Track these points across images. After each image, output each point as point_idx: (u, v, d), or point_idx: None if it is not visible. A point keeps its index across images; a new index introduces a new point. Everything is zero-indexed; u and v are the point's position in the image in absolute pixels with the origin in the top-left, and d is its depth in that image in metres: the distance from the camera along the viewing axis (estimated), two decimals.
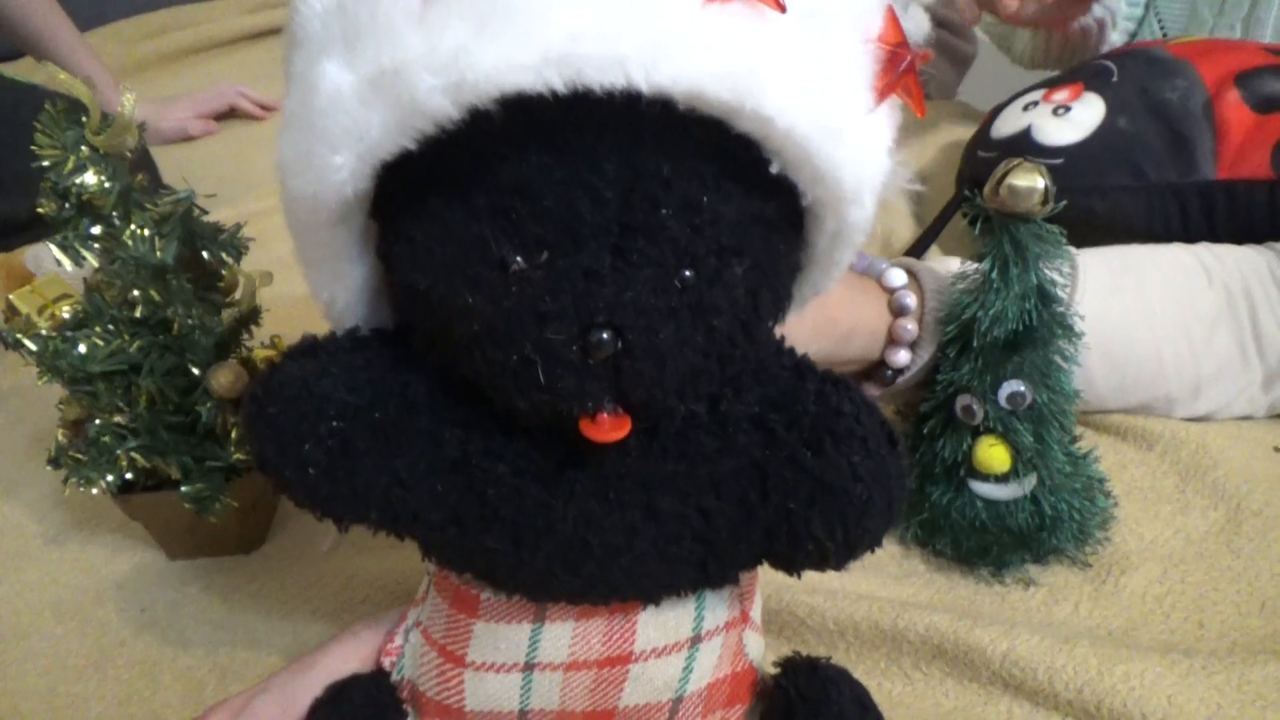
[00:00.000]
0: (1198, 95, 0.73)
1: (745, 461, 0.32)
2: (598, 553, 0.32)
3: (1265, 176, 0.69)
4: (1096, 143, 0.73)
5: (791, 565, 0.34)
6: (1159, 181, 0.71)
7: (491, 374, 0.29)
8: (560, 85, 0.25)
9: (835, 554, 0.33)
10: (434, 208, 0.29)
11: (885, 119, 0.31)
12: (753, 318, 0.31)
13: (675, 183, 0.27)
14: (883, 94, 0.30)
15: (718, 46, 0.26)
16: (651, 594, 0.34)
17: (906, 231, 0.84)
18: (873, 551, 0.33)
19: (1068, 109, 0.76)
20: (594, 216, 0.27)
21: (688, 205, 0.28)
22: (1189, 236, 0.69)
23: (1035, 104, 0.79)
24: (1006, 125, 0.80)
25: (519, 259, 0.28)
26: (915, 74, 0.30)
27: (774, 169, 0.29)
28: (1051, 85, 0.80)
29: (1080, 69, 0.82)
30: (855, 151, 0.29)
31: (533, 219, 0.27)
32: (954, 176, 0.85)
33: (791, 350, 0.35)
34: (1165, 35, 0.93)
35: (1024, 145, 0.76)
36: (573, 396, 0.28)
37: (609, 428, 0.29)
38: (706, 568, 0.33)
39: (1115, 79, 0.76)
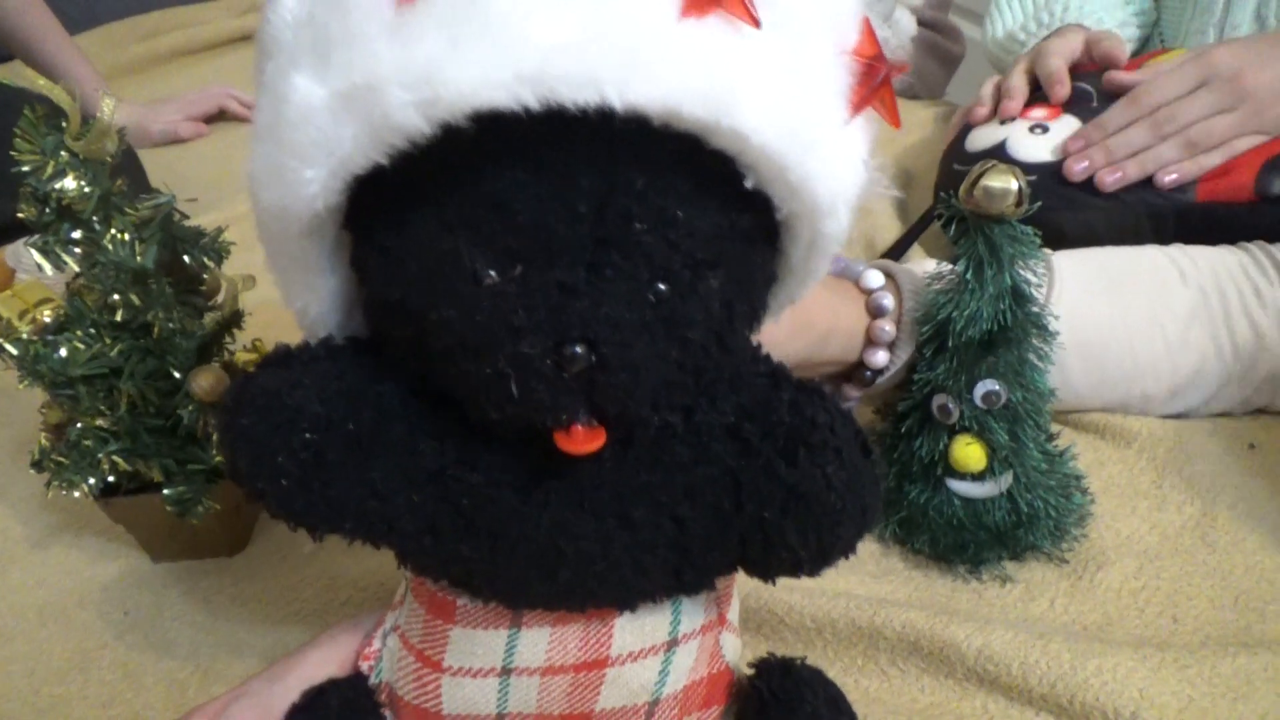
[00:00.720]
0: None
1: (719, 470, 0.33)
2: (572, 561, 0.32)
3: (1247, 198, 0.68)
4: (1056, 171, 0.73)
5: (766, 572, 0.34)
6: (1133, 200, 0.71)
7: (465, 386, 0.29)
8: (534, 103, 0.25)
9: (809, 561, 0.33)
10: (407, 220, 0.29)
11: (860, 131, 0.31)
12: (727, 329, 0.31)
13: (650, 197, 0.27)
14: (858, 106, 0.30)
15: (693, 64, 0.26)
16: (627, 601, 0.34)
17: (889, 234, 0.84)
18: (846, 558, 0.34)
19: (1045, 128, 0.76)
20: (568, 231, 0.27)
21: (662, 220, 0.28)
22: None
23: (1012, 119, 0.79)
24: (982, 139, 0.80)
25: (492, 272, 0.28)
26: (890, 86, 0.30)
27: (748, 184, 0.29)
28: (1029, 103, 0.79)
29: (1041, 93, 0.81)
30: (830, 165, 0.29)
31: (506, 233, 0.27)
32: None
33: (767, 357, 0.35)
34: (1164, 44, 0.94)
35: (999, 159, 0.69)
36: (547, 409, 0.29)
37: (583, 440, 0.29)
38: (681, 575, 0.34)
39: (1095, 105, 0.76)
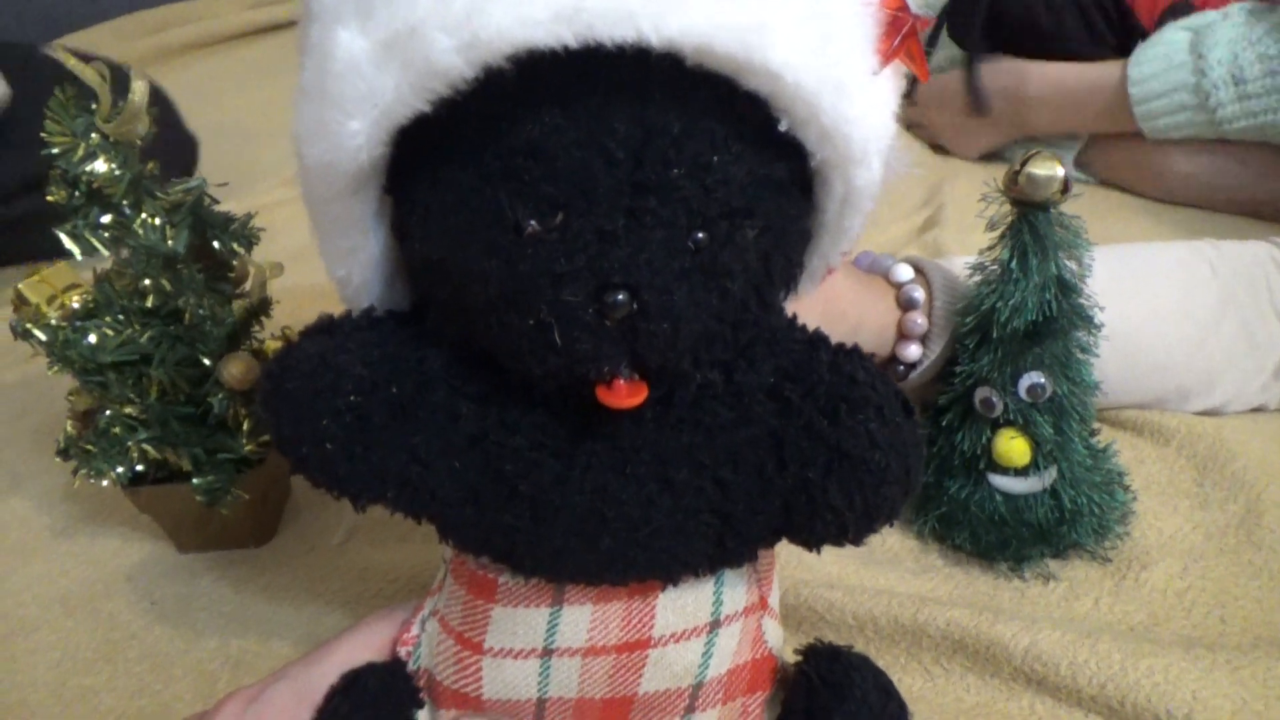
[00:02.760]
0: None
1: (761, 431, 0.32)
2: (614, 526, 0.31)
3: (1148, 28, 0.88)
4: None
5: (810, 538, 0.33)
6: None
7: (508, 340, 0.29)
8: (572, 40, 0.25)
9: (854, 524, 0.32)
10: (447, 175, 0.29)
11: (889, 83, 0.31)
12: (765, 282, 0.31)
13: (685, 142, 0.27)
14: (886, 58, 0.30)
15: (725, 1, 0.26)
16: (669, 570, 0.33)
17: None
18: (890, 524, 0.33)
19: None
20: (607, 176, 0.27)
21: (698, 165, 0.28)
22: (1105, 45, 0.91)
23: None
24: None
25: (533, 222, 0.28)
26: (917, 38, 0.31)
27: (782, 126, 0.29)
28: None
29: None
30: (861, 110, 0.30)
31: (546, 180, 0.27)
32: None
33: (804, 326, 0.35)
34: None
35: None
36: (589, 359, 0.28)
37: (625, 394, 0.29)
38: (724, 542, 0.33)
39: None
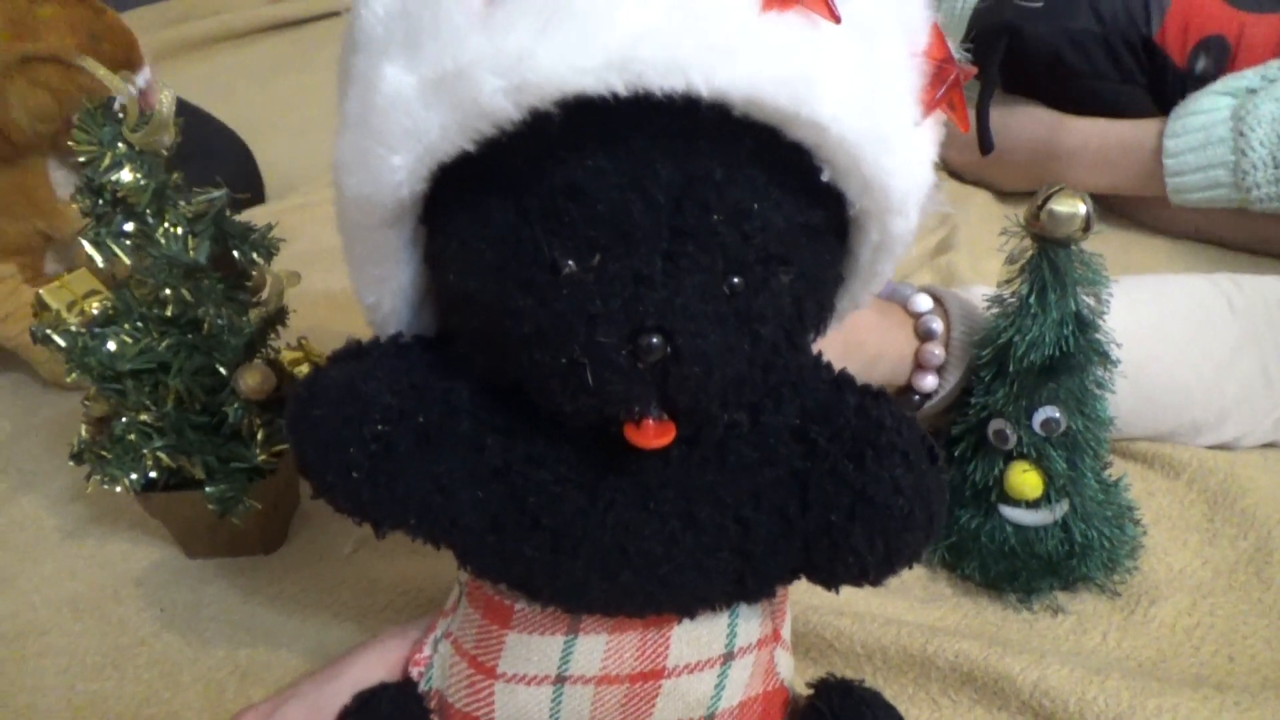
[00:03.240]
0: None
1: (785, 472, 0.32)
2: (636, 561, 0.32)
3: (1179, 64, 0.86)
4: None
5: (830, 579, 0.34)
6: (1113, 28, 0.86)
7: (539, 377, 0.29)
8: (621, 88, 0.25)
9: (874, 568, 0.32)
10: (486, 210, 0.29)
11: (930, 132, 0.31)
12: (797, 327, 0.31)
13: (727, 189, 0.28)
14: (928, 108, 0.30)
15: (776, 53, 0.26)
16: (687, 606, 0.34)
17: None
18: (910, 567, 0.33)
19: None
20: (646, 220, 0.27)
21: (738, 212, 0.28)
22: (1134, 80, 0.88)
23: None
24: None
25: (571, 262, 0.28)
26: (960, 89, 0.31)
27: (824, 177, 0.29)
28: None
29: None
30: (903, 162, 0.30)
31: (585, 222, 0.27)
32: None
33: (829, 365, 0.35)
34: None
35: None
36: (620, 400, 0.28)
37: (654, 434, 0.29)
38: (744, 580, 0.33)
39: None
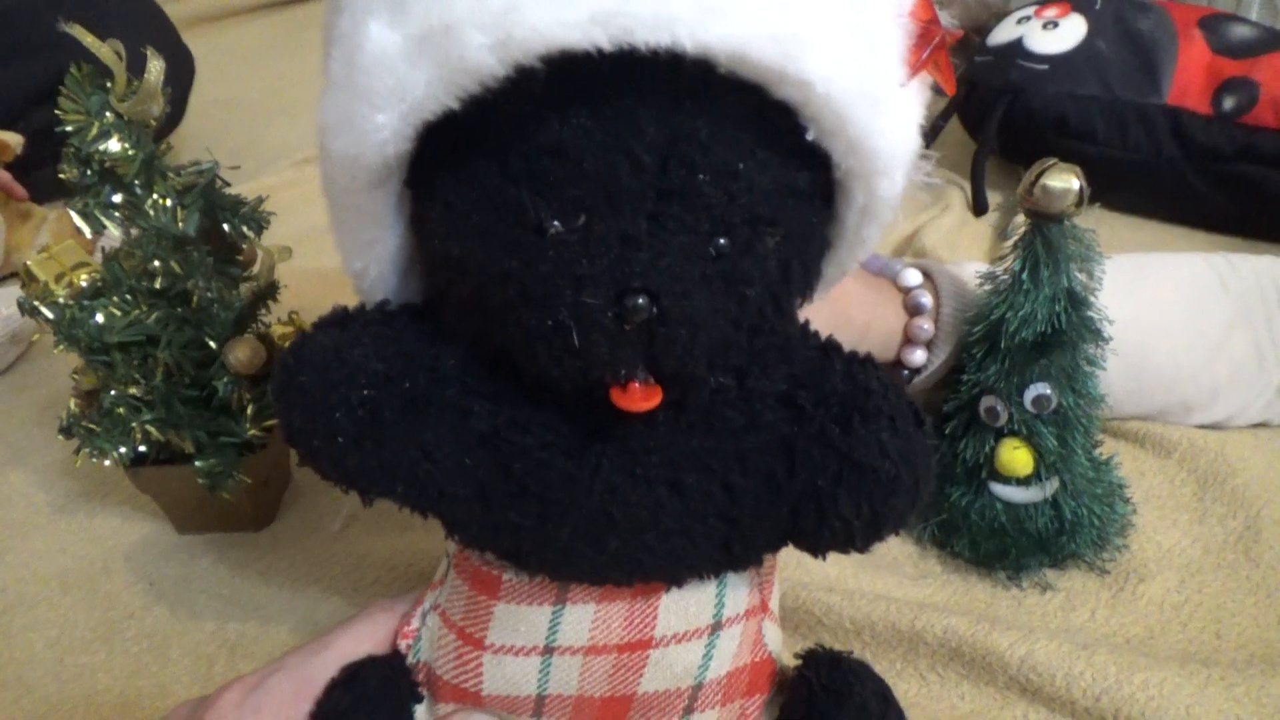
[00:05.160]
0: (1167, 29, 0.88)
1: (772, 438, 0.32)
2: (622, 528, 0.31)
3: (1205, 111, 0.84)
4: (1078, 56, 0.88)
5: (816, 545, 0.33)
6: (1122, 97, 0.86)
7: (525, 340, 0.29)
8: (607, 43, 0.25)
9: (861, 533, 0.32)
10: (471, 172, 0.29)
11: (916, 94, 0.31)
12: (783, 289, 0.31)
13: (713, 148, 0.27)
14: (914, 69, 0.30)
15: (763, 9, 0.26)
16: (674, 573, 0.33)
17: None
18: (897, 533, 0.33)
19: (1055, 24, 0.91)
20: (631, 180, 0.27)
21: (724, 172, 0.28)
22: (1142, 152, 0.86)
23: (1028, 18, 0.93)
24: (1001, 34, 0.94)
25: (556, 223, 0.28)
26: (946, 51, 0.31)
27: (810, 136, 0.29)
28: (1042, 2, 0.94)
29: None
30: (890, 122, 0.29)
31: (571, 182, 0.27)
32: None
33: (816, 333, 0.35)
34: None
35: (1016, 51, 0.91)
36: (606, 363, 0.28)
37: (640, 397, 0.29)
38: (730, 547, 0.33)
39: (1098, 6, 0.91)
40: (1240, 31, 0.87)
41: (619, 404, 0.29)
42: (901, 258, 0.65)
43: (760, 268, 0.29)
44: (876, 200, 0.31)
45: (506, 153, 0.28)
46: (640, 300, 0.27)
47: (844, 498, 0.31)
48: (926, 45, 0.29)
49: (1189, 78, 0.85)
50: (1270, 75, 0.83)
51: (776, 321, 0.31)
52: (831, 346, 0.34)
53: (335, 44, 0.29)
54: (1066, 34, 0.89)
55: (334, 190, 0.31)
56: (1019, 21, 0.93)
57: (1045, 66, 0.89)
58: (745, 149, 0.28)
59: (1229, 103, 0.84)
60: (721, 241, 0.28)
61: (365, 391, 0.31)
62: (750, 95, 0.27)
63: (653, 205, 0.27)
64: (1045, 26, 0.91)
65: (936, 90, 0.31)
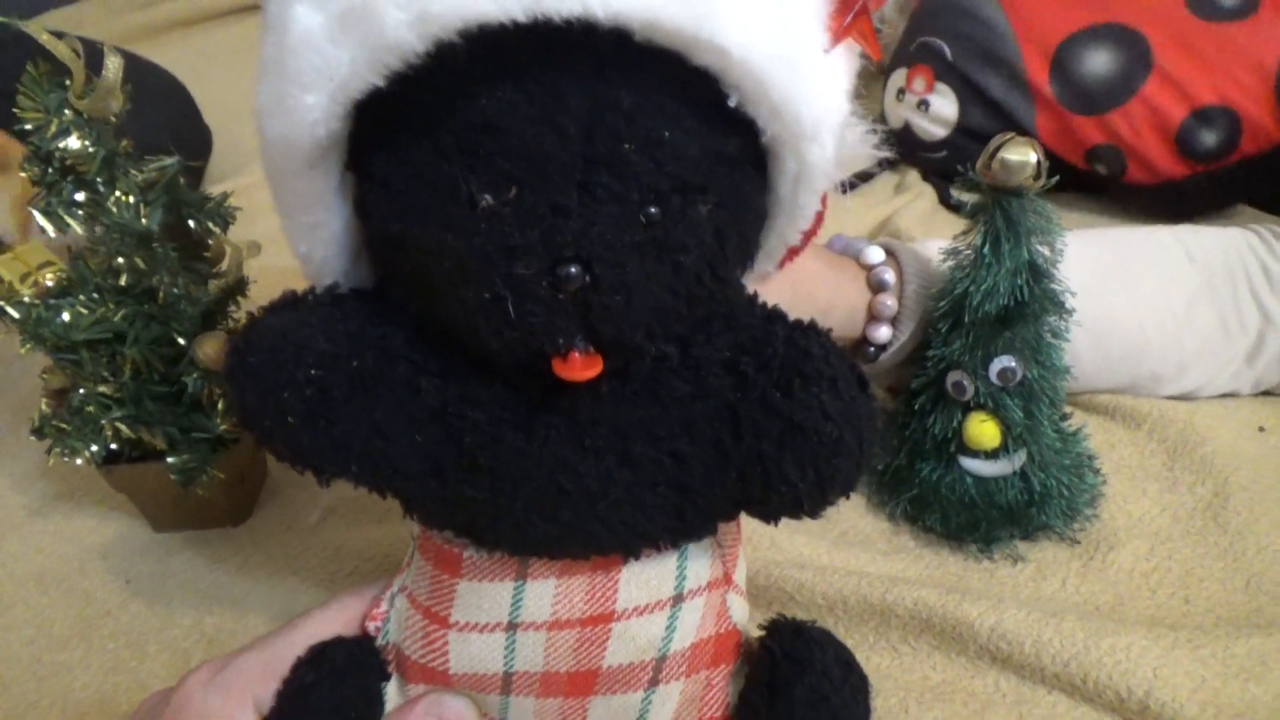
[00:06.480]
0: (1020, 88, 0.86)
1: (717, 405, 0.33)
2: (574, 499, 0.32)
3: (1084, 168, 0.85)
4: (961, 137, 0.90)
5: (766, 510, 0.34)
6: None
7: (465, 314, 0.29)
8: (520, 14, 0.25)
9: (807, 496, 0.32)
10: (404, 150, 0.29)
11: (842, 61, 0.31)
12: (719, 258, 0.31)
13: (637, 117, 0.28)
14: (838, 35, 0.30)
15: None
16: (629, 544, 0.34)
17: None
18: (846, 497, 0.34)
19: (927, 104, 0.92)
20: (558, 151, 0.27)
21: (650, 140, 0.28)
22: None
23: (903, 93, 0.94)
24: (892, 115, 0.96)
25: (488, 196, 0.28)
26: (868, 16, 0.31)
27: (732, 102, 0.29)
28: (908, 65, 0.94)
29: (917, 47, 0.93)
30: (812, 87, 0.30)
31: (500, 155, 0.27)
32: None
33: (764, 304, 0.35)
34: None
35: (912, 142, 0.94)
36: (543, 332, 0.29)
37: (580, 366, 0.29)
38: (683, 515, 0.33)
39: (950, 59, 0.89)
40: (1092, 68, 0.83)
41: (560, 374, 0.29)
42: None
43: (694, 235, 0.30)
44: (808, 167, 0.31)
45: (436, 129, 0.28)
46: (573, 269, 0.27)
47: (788, 461, 0.31)
48: (848, 11, 0.30)
49: (1050, 139, 0.85)
50: (1128, 129, 0.81)
51: (717, 290, 0.32)
52: (776, 314, 0.35)
53: (268, 29, 0.29)
54: (942, 112, 0.91)
55: (274, 173, 0.31)
56: (898, 96, 0.94)
57: (944, 153, 0.92)
58: (670, 117, 0.28)
59: (1101, 168, 0.85)
60: (652, 210, 0.29)
61: (313, 371, 0.31)
62: (671, 63, 0.27)
63: (581, 175, 0.28)
64: (920, 107, 0.92)
65: (864, 58, 0.32)
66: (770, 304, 0.35)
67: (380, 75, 0.27)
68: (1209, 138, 0.79)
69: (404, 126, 0.29)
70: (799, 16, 0.29)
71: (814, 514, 0.33)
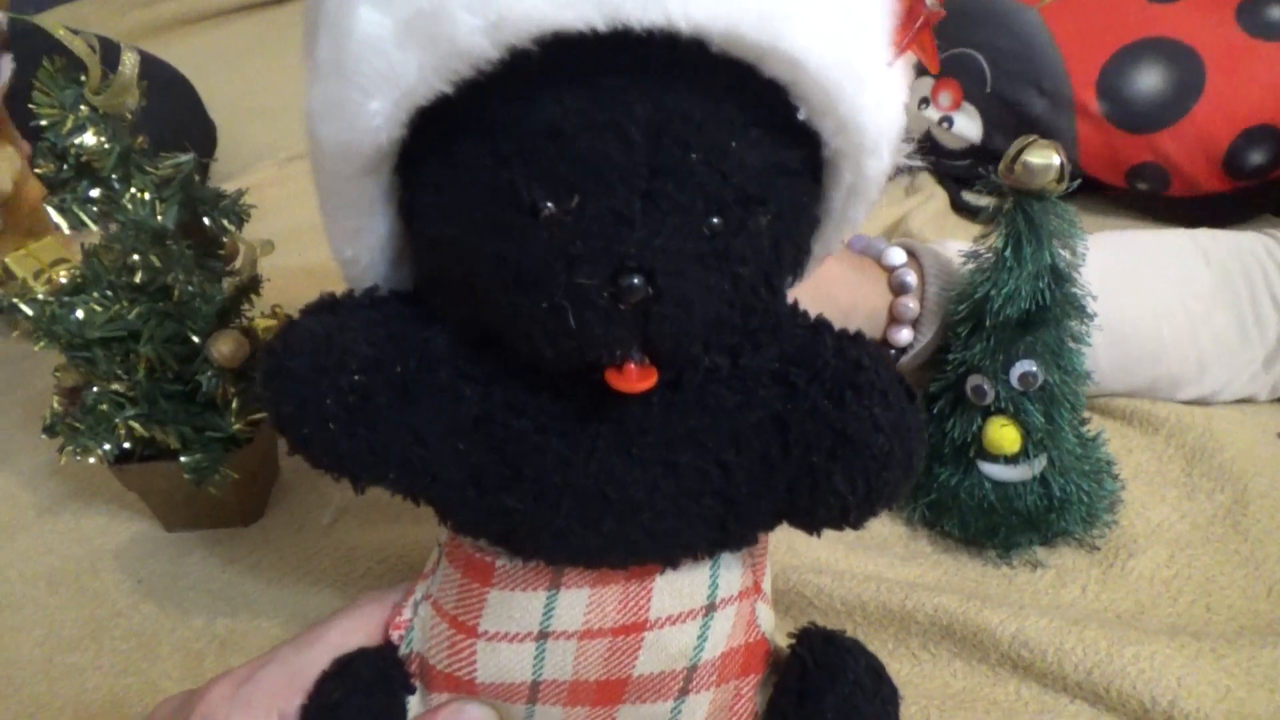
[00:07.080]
0: (1064, 105, 0.82)
1: (766, 415, 0.32)
2: (618, 509, 0.31)
3: (1121, 185, 0.83)
4: (985, 152, 0.87)
5: (811, 522, 0.33)
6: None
7: (520, 323, 0.29)
8: (601, 23, 0.25)
9: (855, 508, 0.32)
10: (462, 154, 0.28)
11: (901, 74, 0.31)
12: (775, 269, 0.31)
13: (705, 126, 0.27)
14: (900, 49, 0.30)
15: None
16: (670, 554, 0.33)
17: None
18: (890, 508, 0.34)
19: (950, 121, 0.89)
20: (623, 159, 0.27)
21: (716, 150, 0.28)
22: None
23: (926, 102, 0.91)
24: (913, 123, 0.92)
25: (549, 203, 0.27)
26: (930, 31, 0.31)
27: (801, 115, 0.29)
28: (936, 77, 0.90)
29: (949, 58, 0.89)
30: (877, 100, 0.30)
31: (563, 161, 0.27)
32: None
33: (805, 312, 0.35)
34: None
35: (935, 149, 0.91)
36: (602, 343, 0.28)
37: (636, 378, 0.29)
38: (726, 526, 0.33)
39: (989, 89, 0.86)
40: (1143, 85, 0.80)
41: (615, 385, 0.28)
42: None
43: (753, 246, 0.29)
44: (864, 179, 0.31)
45: (497, 134, 0.28)
46: (636, 280, 0.27)
47: (838, 472, 0.31)
48: (913, 24, 0.29)
49: (1091, 158, 0.83)
50: (1176, 148, 0.79)
51: (769, 300, 0.31)
52: (822, 324, 0.34)
53: (323, 30, 0.28)
54: (964, 132, 0.88)
55: (324, 178, 0.30)
56: (920, 104, 0.91)
57: (967, 161, 0.89)
58: (737, 127, 0.28)
59: (1143, 185, 0.82)
60: (715, 220, 0.28)
61: (355, 376, 0.30)
62: (741, 73, 0.27)
63: (645, 184, 0.27)
64: (941, 124, 0.89)
65: (921, 69, 0.31)
66: (813, 313, 0.35)
67: (449, 82, 0.26)
68: (1257, 157, 0.78)
69: (460, 130, 0.28)
70: (869, 30, 0.29)
71: (858, 525, 0.33)
